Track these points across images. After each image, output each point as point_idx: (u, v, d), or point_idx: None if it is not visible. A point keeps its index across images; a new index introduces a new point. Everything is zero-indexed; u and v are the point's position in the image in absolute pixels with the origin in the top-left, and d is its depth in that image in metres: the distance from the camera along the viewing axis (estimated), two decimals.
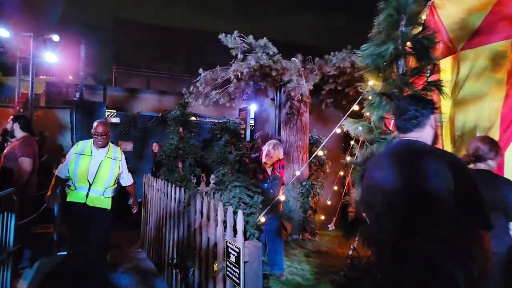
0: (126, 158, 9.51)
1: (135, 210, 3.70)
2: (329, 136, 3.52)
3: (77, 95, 12.51)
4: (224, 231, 2.22)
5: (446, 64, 3.31)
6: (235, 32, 4.44)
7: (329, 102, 6.06)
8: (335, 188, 6.45)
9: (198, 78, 5.35)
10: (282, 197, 3.73)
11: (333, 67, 4.87)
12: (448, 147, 3.39)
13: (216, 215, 2.29)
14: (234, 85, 5.29)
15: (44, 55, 8.73)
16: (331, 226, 6.45)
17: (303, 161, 5.81)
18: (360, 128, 3.24)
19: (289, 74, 4.52)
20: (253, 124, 7.40)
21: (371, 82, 3.38)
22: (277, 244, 3.92)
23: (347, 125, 3.33)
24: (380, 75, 3.15)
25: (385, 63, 3.13)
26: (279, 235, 3.96)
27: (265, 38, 4.44)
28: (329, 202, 6.40)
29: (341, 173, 6.60)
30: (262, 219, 3.21)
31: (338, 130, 3.60)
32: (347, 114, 3.40)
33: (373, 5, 2.94)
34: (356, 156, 3.24)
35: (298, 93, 4.63)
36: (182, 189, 3.16)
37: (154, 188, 4.39)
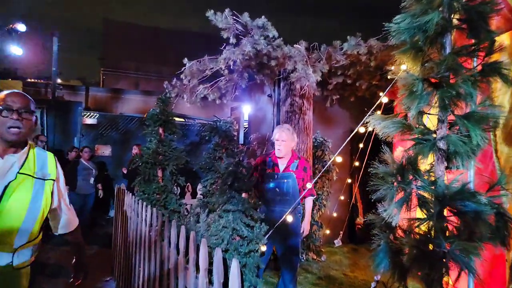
0: (103, 165, 8.56)
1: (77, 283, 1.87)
2: (348, 138, 2.79)
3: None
4: (210, 285, 1.47)
5: (502, 41, 2.62)
6: (226, 10, 3.70)
7: (335, 99, 5.35)
8: (342, 198, 5.73)
9: (182, 69, 4.58)
10: (308, 205, 2.93)
11: (343, 56, 4.16)
12: (504, 151, 2.69)
13: (198, 257, 1.53)
14: (225, 78, 4.54)
15: (10, 48, 7.90)
16: (338, 242, 5.72)
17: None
18: (392, 126, 2.53)
19: (293, 62, 3.79)
20: (247, 125, 6.66)
21: (404, 66, 2.66)
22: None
23: (373, 122, 2.61)
24: (419, 55, 2.45)
25: (426, 40, 2.43)
26: (293, 270, 3.03)
27: (263, 17, 3.71)
28: (335, 214, 5.68)
29: (349, 180, 5.89)
30: (263, 247, 2.45)
31: (362, 129, 2.87)
32: (373, 108, 2.69)
33: None
34: (386, 163, 2.52)
35: (305, 85, 3.90)
36: (154, 210, 2.38)
37: (125, 203, 3.60)
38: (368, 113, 2.71)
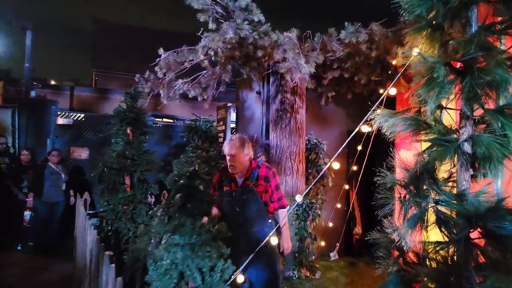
0: (79, 169, 7.91)
1: None
2: (349, 137, 2.30)
3: (32, 94, 11.00)
4: None
5: None
6: None
7: (330, 97, 4.88)
8: (338, 206, 5.25)
9: (157, 61, 4.07)
10: (282, 219, 2.43)
11: (340, 45, 3.68)
12: None
13: None
14: (207, 72, 4.05)
15: None
16: (333, 255, 5.24)
17: (297, 172, 4.59)
18: (404, 123, 2.06)
19: (282, 51, 3.29)
20: (234, 126, 6.15)
21: (416, 50, 2.20)
22: None
23: (379, 119, 2.15)
24: (437, 34, 1.98)
25: (446, 14, 1.97)
26: None
27: None
28: (331, 224, 5.19)
29: (346, 187, 5.42)
30: (240, 277, 1.95)
31: (366, 128, 2.39)
32: (378, 102, 2.21)
33: None
34: (394, 171, 2.05)
35: (296, 77, 3.41)
36: (94, 233, 1.87)
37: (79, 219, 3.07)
38: (372, 108, 2.23)
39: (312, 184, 3.25)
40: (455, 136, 1.89)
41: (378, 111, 2.18)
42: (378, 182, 2.08)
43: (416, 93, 1.91)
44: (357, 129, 2.27)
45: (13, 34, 8.75)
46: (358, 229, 5.79)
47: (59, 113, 8.95)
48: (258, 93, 5.27)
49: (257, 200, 2.62)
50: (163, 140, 8.77)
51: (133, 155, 3.50)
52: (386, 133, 2.15)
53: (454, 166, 1.95)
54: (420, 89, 1.86)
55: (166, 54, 4.12)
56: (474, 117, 1.83)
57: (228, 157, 2.61)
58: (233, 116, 6.09)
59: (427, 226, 1.91)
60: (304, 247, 4.48)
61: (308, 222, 4.49)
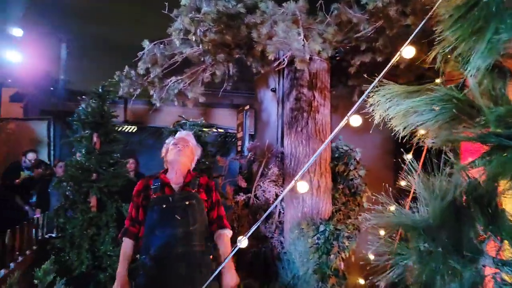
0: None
1: None
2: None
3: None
4: None
5: None
6: None
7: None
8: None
9: (140, 55, 3.50)
10: (225, 246, 1.75)
11: (364, 14, 2.74)
12: None
13: None
14: (198, 65, 3.39)
15: (6, 54, 7.63)
16: None
17: (319, 189, 3.66)
18: (429, 108, 1.16)
19: (271, 24, 2.44)
20: (253, 132, 5.39)
21: None
22: None
23: (382, 102, 1.28)
24: None
25: None
26: None
27: None
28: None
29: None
30: None
31: (357, 121, 1.47)
32: (383, 73, 1.32)
33: None
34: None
35: (300, 62, 2.56)
36: None
37: None
38: (372, 84, 1.39)
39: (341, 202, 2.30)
40: None
41: (386, 86, 1.30)
42: None
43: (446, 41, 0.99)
44: (344, 121, 1.38)
45: (50, 47, 9.06)
46: None
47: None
48: (273, 90, 4.46)
49: (201, 209, 2.16)
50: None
51: (94, 168, 2.91)
52: (396, 128, 1.25)
53: None
54: (453, 29, 0.94)
55: (150, 46, 3.53)
56: None
57: (179, 144, 2.22)
58: (252, 119, 5.33)
59: None
60: None
61: (332, 255, 3.51)
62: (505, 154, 0.87)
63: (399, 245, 1.09)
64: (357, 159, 3.98)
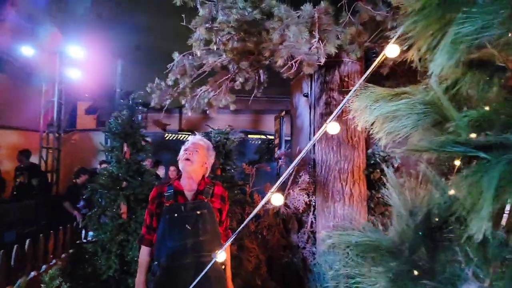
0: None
1: None
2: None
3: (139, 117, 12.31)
4: None
5: None
6: None
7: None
8: None
9: (170, 67, 3.65)
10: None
11: (390, 11, 2.56)
12: None
13: None
14: (219, 75, 3.44)
15: (69, 72, 8.45)
16: None
17: (351, 198, 3.48)
18: (410, 113, 1.06)
19: (282, 29, 2.36)
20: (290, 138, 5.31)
21: None
22: None
23: (361, 109, 1.21)
24: None
25: None
26: None
27: None
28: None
29: None
30: None
31: (334, 129, 1.38)
32: (367, 73, 1.22)
33: None
34: None
35: (308, 66, 2.47)
36: None
37: None
38: (356, 86, 1.31)
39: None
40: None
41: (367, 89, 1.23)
42: None
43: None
44: (322, 129, 1.27)
45: (108, 62, 9.87)
46: None
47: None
48: (306, 95, 4.37)
49: (213, 219, 2.14)
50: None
51: (124, 176, 3.08)
52: (378, 137, 1.17)
53: None
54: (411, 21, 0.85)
55: (179, 57, 3.66)
56: None
57: (188, 151, 2.18)
58: (288, 126, 5.27)
59: None
60: None
61: None
62: (477, 168, 0.74)
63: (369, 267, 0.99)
64: (395, 165, 3.73)
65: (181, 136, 10.69)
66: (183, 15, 2.70)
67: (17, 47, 7.71)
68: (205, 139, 2.36)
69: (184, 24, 2.76)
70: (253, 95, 4.14)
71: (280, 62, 2.39)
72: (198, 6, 2.72)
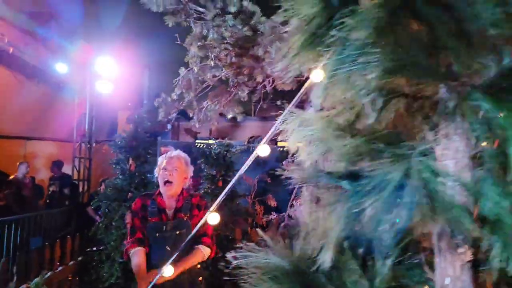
0: None
1: None
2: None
3: (168, 126, 12.81)
4: None
5: None
6: None
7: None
8: None
9: (175, 82, 3.83)
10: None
11: None
12: None
13: None
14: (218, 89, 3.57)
15: (99, 85, 8.97)
16: None
17: None
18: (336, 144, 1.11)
19: (265, 45, 2.41)
20: None
21: None
22: None
23: (293, 131, 1.28)
24: None
25: None
26: None
27: None
28: None
29: None
30: None
31: (264, 152, 1.42)
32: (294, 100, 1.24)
33: None
34: None
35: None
36: None
37: None
38: (286, 110, 1.37)
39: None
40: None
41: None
42: None
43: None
44: (254, 154, 1.30)
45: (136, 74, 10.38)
46: None
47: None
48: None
49: (188, 234, 2.04)
50: (256, 166, 8.62)
51: (130, 189, 3.27)
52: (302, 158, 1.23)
53: None
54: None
55: (184, 72, 3.84)
56: None
57: (167, 171, 2.15)
58: None
59: None
60: None
61: None
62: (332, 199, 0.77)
63: None
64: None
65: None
66: (177, 35, 2.85)
67: (52, 63, 8.32)
68: (181, 153, 2.31)
69: (179, 42, 2.91)
70: (259, 105, 4.22)
71: (259, 78, 2.46)
72: (192, 25, 2.86)
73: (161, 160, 2.24)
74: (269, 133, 1.32)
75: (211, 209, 1.32)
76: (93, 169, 9.34)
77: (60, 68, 8.62)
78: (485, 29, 0.58)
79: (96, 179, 9.18)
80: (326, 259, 0.71)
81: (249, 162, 1.32)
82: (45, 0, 8.35)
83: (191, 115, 4.19)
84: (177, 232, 2.10)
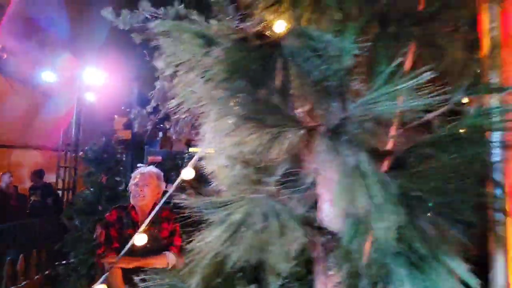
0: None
1: None
2: None
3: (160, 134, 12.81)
4: None
5: None
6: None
7: None
8: None
9: (151, 94, 3.87)
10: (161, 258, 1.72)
11: None
12: None
13: None
14: None
15: (87, 94, 9.02)
16: None
17: None
18: None
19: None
20: None
21: None
22: None
23: None
24: None
25: None
26: None
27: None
28: None
29: None
30: None
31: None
32: None
33: None
34: None
35: None
36: None
37: None
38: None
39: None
40: None
41: None
42: None
43: None
44: (180, 178, 1.33)
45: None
46: None
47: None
48: None
49: (160, 249, 2.21)
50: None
51: (99, 201, 3.28)
52: None
53: None
54: None
55: (160, 85, 3.88)
56: None
57: (139, 187, 2.26)
58: None
59: None
60: None
61: None
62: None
63: None
64: None
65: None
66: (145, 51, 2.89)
67: (38, 73, 8.36)
68: (153, 169, 2.43)
69: (148, 59, 2.96)
70: None
71: None
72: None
73: (134, 175, 2.34)
74: (194, 158, 1.34)
75: (141, 228, 1.34)
76: (80, 178, 9.35)
77: (47, 76, 8.68)
78: (323, 81, 0.63)
79: (82, 188, 9.19)
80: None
81: (176, 183, 1.36)
82: (35, 10, 8.41)
83: (167, 127, 4.22)
84: (148, 245, 2.12)
